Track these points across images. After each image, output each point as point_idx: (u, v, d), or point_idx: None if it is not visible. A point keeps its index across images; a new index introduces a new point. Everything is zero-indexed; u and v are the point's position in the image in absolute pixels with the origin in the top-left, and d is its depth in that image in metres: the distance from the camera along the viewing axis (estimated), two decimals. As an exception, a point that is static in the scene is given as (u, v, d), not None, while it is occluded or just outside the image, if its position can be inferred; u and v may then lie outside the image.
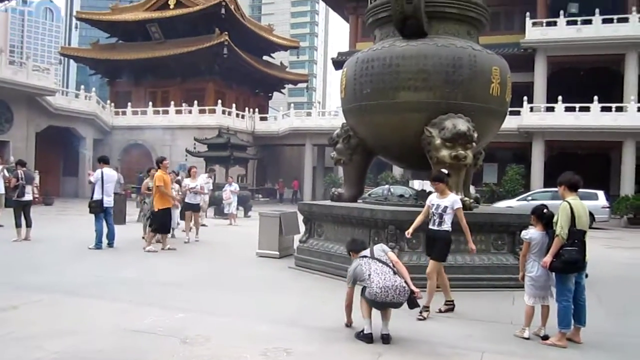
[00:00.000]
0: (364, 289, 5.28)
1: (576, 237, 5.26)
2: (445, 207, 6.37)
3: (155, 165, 11.66)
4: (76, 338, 5.07)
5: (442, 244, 6.38)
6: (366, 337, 5.17)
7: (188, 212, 12.86)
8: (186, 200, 12.86)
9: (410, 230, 6.60)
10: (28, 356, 4.51)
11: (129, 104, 36.03)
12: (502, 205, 20.03)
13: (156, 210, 10.76)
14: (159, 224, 10.88)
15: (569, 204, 5.36)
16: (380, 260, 5.31)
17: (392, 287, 5.04)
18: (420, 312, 6.09)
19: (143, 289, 7.35)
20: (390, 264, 5.30)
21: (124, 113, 35.67)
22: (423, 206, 8.51)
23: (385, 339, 5.20)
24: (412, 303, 5.22)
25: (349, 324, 5.59)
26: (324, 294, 7.40)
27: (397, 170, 28.08)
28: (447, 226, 6.34)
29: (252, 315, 6.11)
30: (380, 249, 5.54)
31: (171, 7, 37.60)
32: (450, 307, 6.53)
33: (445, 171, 6.70)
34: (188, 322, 5.69)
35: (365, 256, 5.43)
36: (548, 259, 5.30)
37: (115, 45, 40.94)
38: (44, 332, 5.22)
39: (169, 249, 10.81)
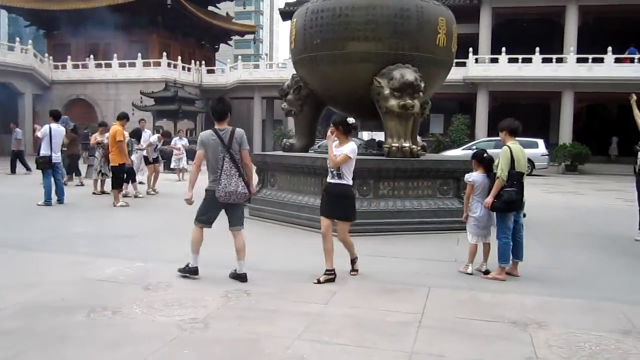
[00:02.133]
0: (198, 217, 5.58)
1: (515, 179, 5.63)
2: None
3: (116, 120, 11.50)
4: (37, 289, 5.14)
5: (349, 202, 5.66)
6: (191, 271, 5.54)
7: (150, 165, 12.98)
8: (145, 154, 13.04)
9: None
10: (-10, 307, 4.57)
11: (69, 57, 34.63)
12: (448, 154, 20.65)
13: (117, 165, 10.79)
14: (117, 178, 10.93)
15: (510, 148, 5.71)
16: (232, 158, 5.34)
17: (235, 192, 5.32)
18: (351, 269, 5.82)
19: (100, 242, 7.39)
20: (240, 164, 5.41)
21: (63, 67, 34.29)
22: (371, 155, 8.88)
23: (243, 277, 5.48)
24: (249, 201, 5.80)
25: (190, 200, 5.58)
26: (278, 240, 7.66)
27: (347, 122, 28.34)
28: (347, 180, 5.57)
29: (210, 263, 6.24)
30: (239, 138, 5.41)
31: (111, -46, 35.84)
32: (330, 277, 5.52)
33: (352, 120, 5.64)
34: (148, 271, 5.84)
35: (223, 141, 5.35)
36: (490, 199, 5.67)
37: (51, -6, 38.92)
38: (3, 284, 5.25)
39: (121, 205, 10.77)
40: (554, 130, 29.00)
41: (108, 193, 12.13)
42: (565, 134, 27.11)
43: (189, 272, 5.55)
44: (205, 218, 5.58)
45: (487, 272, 5.88)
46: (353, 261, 5.87)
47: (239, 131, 5.48)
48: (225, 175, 5.31)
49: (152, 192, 12.92)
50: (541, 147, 23.10)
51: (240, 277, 5.48)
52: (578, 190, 16.83)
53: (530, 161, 22.53)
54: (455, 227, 7.92)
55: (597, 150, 28.32)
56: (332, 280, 5.47)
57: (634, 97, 8.52)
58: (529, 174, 22.29)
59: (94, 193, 12.59)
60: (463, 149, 22.59)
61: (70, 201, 11.11)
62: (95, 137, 12.68)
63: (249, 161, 5.58)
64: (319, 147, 11.49)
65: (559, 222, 9.92)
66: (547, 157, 23.31)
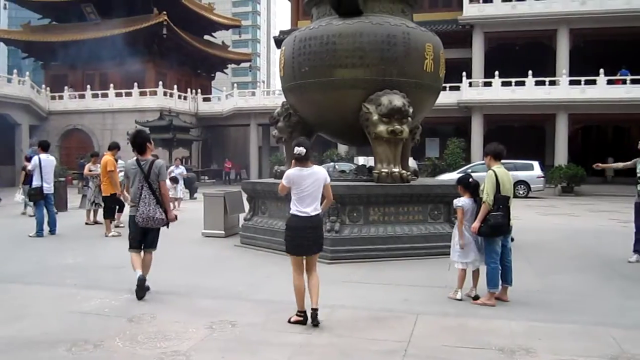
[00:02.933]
0: (130, 244, 6.13)
1: (501, 203, 5.61)
2: None
3: (108, 150, 11.59)
4: (22, 323, 5.08)
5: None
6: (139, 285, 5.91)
7: None
8: None
9: None
10: (-29, 342, 4.51)
11: (66, 87, 34.88)
12: (444, 178, 20.64)
13: (108, 194, 10.83)
14: (108, 208, 10.95)
15: (494, 172, 5.71)
16: (151, 187, 5.92)
17: (152, 218, 5.91)
18: (290, 319, 5.08)
19: (88, 273, 7.34)
20: (158, 192, 5.96)
21: (60, 97, 34.54)
22: (362, 180, 8.88)
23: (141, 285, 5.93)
24: (168, 225, 6.14)
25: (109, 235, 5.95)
26: (268, 269, 7.60)
27: (342, 148, 28.46)
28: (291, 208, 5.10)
29: (198, 292, 6.25)
30: (157, 169, 5.94)
31: (106, -14, 36.38)
32: (300, 319, 5.01)
33: (298, 150, 4.94)
34: (134, 302, 5.78)
35: (143, 170, 5.90)
36: (477, 224, 5.65)
37: (48, 26, 39.35)
38: (-13, 318, 5.21)
39: (112, 235, 10.72)
40: (549, 152, 29.08)
41: (101, 223, 12.08)
42: (561, 156, 27.17)
43: (142, 291, 5.95)
44: (135, 243, 6.12)
45: (476, 298, 5.82)
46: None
47: (158, 162, 6.02)
48: (143, 203, 5.88)
49: None
50: (537, 169, 23.12)
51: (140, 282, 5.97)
52: (573, 212, 16.79)
53: (526, 183, 22.61)
54: (446, 252, 7.78)
55: (593, 172, 28.21)
56: (303, 322, 5.00)
57: (599, 165, 8.85)
58: (526, 197, 22.34)
59: (86, 223, 12.54)
60: (458, 172, 22.57)
61: (63, 232, 11.05)
62: (89, 168, 12.71)
63: (166, 191, 6.15)
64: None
65: (552, 244, 9.86)
66: (542, 179, 23.30)
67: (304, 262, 5.05)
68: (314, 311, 4.91)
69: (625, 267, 7.81)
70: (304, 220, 4.95)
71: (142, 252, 6.18)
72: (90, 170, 12.59)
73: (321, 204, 5.12)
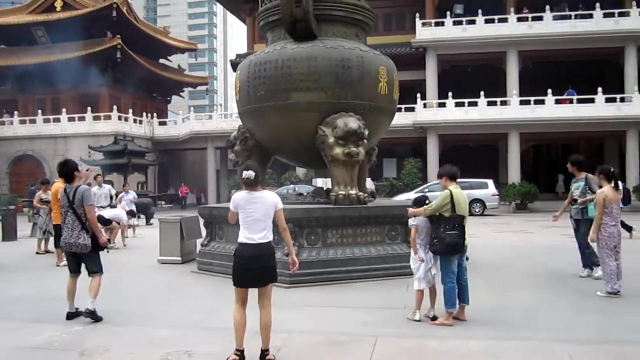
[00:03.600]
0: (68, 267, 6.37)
1: (456, 222, 5.69)
2: None
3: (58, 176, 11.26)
4: (-37, 361, 4.84)
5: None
6: (66, 316, 6.21)
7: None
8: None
9: None
10: None
11: (16, 112, 33.94)
12: (401, 198, 20.85)
13: (59, 223, 10.47)
14: (59, 237, 10.56)
15: (451, 191, 5.80)
16: (75, 212, 6.10)
17: (75, 243, 6.08)
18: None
19: (36, 305, 7.05)
20: (84, 217, 6.10)
21: (10, 123, 33.57)
22: (320, 203, 8.88)
23: (88, 314, 6.05)
24: (100, 248, 6.29)
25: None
26: (225, 295, 7.38)
27: (301, 170, 28.47)
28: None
29: (153, 321, 6.09)
30: (80, 195, 6.10)
31: (58, 9, 35.89)
32: (237, 358, 4.59)
33: (245, 174, 4.70)
34: (86, 334, 5.59)
35: (68, 197, 6.12)
36: (414, 212, 5.96)
37: (-3, 50, 38.46)
38: None
39: (64, 264, 10.36)
40: (502, 170, 29.80)
41: (52, 252, 11.68)
42: (514, 174, 27.87)
43: (67, 316, 6.20)
44: (71, 267, 6.36)
45: (434, 318, 5.85)
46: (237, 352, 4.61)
47: (81, 188, 6.23)
48: (67, 228, 6.12)
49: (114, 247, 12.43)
50: (491, 188, 23.69)
51: (91, 314, 6.06)
52: (527, 228, 17.18)
53: (481, 201, 23.10)
54: (405, 272, 7.86)
55: (545, 188, 29.25)
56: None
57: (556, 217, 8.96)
58: (482, 214, 22.78)
59: (37, 253, 12.12)
60: (416, 192, 22.87)
61: (12, 262, 10.67)
62: (39, 196, 12.32)
63: (91, 216, 6.20)
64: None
65: (507, 261, 10.04)
66: (497, 196, 23.86)
67: (248, 294, 4.72)
68: (263, 352, 4.57)
69: (577, 282, 8.01)
70: (250, 249, 4.60)
71: (80, 278, 6.34)
72: (41, 199, 12.20)
73: (275, 233, 4.90)
